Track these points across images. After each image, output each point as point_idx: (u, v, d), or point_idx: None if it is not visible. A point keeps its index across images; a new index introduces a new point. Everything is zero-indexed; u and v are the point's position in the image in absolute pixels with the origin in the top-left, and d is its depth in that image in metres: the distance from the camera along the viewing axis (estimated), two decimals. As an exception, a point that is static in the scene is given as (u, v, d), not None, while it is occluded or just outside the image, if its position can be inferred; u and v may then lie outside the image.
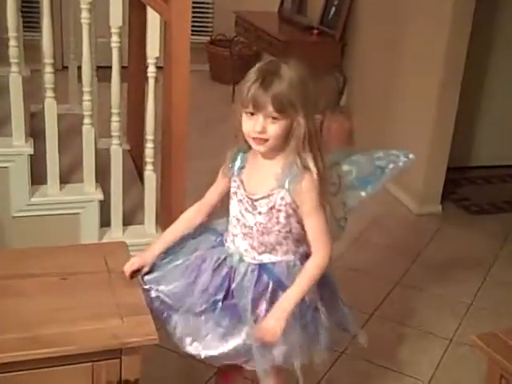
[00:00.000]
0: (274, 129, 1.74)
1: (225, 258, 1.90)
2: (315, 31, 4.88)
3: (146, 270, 1.92)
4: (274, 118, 1.73)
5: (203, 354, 1.85)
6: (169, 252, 1.98)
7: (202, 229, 2.02)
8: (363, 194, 2.02)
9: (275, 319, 1.77)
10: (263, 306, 1.83)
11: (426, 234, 3.76)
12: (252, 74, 1.75)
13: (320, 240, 1.83)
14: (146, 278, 1.92)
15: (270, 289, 1.84)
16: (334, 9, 4.86)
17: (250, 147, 1.85)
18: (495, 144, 4.65)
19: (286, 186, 1.79)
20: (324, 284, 1.91)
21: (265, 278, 1.86)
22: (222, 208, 1.98)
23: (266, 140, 1.76)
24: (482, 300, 3.13)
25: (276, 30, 5.16)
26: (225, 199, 1.96)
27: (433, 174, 3.98)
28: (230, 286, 1.87)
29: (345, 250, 3.40)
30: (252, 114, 1.74)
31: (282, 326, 1.76)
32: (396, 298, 3.09)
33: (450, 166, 4.04)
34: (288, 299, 1.80)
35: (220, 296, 1.86)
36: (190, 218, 2.00)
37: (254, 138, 1.77)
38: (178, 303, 1.89)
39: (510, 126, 4.65)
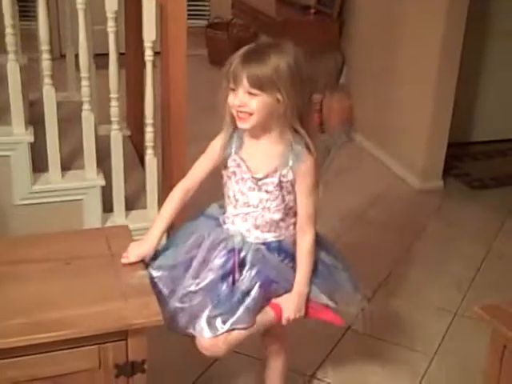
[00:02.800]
0: (254, 103, 1.75)
1: (223, 240, 1.90)
2: (312, 10, 4.86)
3: (147, 260, 1.91)
4: (250, 94, 1.75)
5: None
6: (168, 240, 2.01)
7: (197, 215, 2.03)
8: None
9: (299, 306, 1.90)
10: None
11: (428, 209, 3.77)
12: (239, 51, 1.79)
13: (311, 219, 1.90)
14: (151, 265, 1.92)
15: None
16: (330, -13, 4.83)
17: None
18: (495, 118, 4.64)
19: (290, 163, 1.82)
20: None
21: (274, 254, 1.90)
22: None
23: (250, 115, 1.76)
24: (485, 273, 3.15)
25: (273, 11, 5.13)
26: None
27: (434, 149, 3.98)
28: (234, 268, 1.88)
29: (348, 227, 3.42)
30: (234, 89, 1.77)
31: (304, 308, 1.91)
32: (400, 274, 3.11)
33: (450, 141, 4.03)
34: (302, 282, 1.89)
35: (226, 281, 1.87)
36: (179, 198, 1.95)
37: (237, 116, 1.79)
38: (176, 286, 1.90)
39: (509, 99, 4.64)
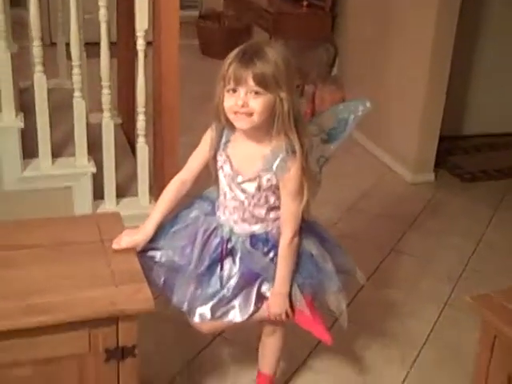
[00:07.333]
0: (257, 103, 1.72)
1: (215, 228, 1.94)
2: (305, 3, 4.86)
3: (139, 249, 1.91)
4: (256, 93, 1.72)
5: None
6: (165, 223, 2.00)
7: (193, 198, 2.04)
8: (332, 146, 2.02)
9: (279, 305, 1.91)
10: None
11: (419, 201, 3.78)
12: (233, 52, 1.76)
13: (291, 222, 1.87)
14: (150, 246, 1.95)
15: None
16: (323, -21, 4.83)
17: (234, 128, 1.84)
18: (486, 112, 4.66)
19: (274, 168, 1.80)
20: (311, 231, 1.96)
21: (259, 246, 1.90)
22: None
23: (250, 115, 1.73)
24: (475, 264, 3.16)
25: (265, 2, 5.13)
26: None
27: (425, 142, 3.99)
28: (222, 256, 1.91)
29: (339, 218, 3.42)
30: (234, 90, 1.73)
31: (287, 307, 1.92)
32: (390, 265, 3.11)
33: (442, 135, 4.04)
34: (279, 283, 1.89)
35: (216, 268, 1.91)
36: (176, 190, 1.97)
37: (236, 115, 1.75)
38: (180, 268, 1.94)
39: (500, 94, 4.65)
